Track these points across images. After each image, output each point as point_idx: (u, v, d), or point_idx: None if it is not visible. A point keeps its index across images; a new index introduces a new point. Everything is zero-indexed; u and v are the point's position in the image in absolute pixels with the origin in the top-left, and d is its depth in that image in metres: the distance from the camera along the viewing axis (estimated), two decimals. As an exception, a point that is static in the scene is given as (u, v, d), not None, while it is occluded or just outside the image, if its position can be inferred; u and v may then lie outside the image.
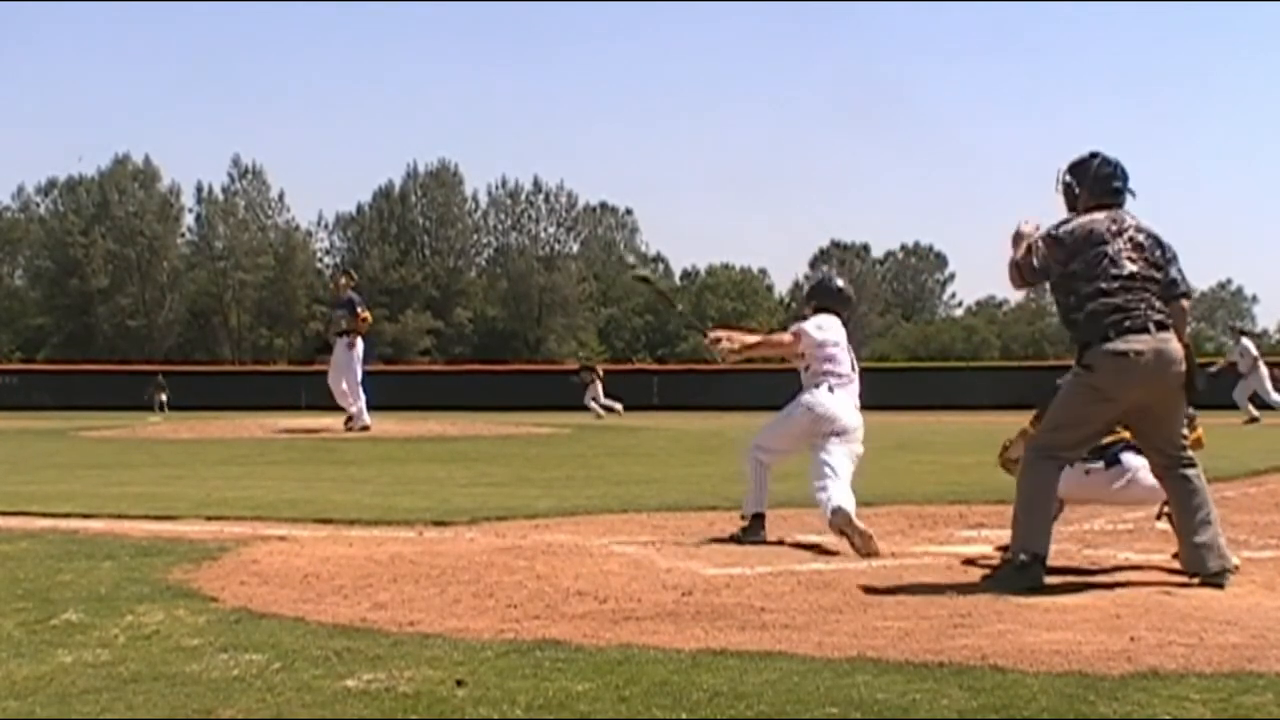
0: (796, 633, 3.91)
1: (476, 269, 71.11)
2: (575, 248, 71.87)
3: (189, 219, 67.08)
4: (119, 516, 7.04)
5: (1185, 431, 5.09)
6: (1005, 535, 6.22)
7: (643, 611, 4.28)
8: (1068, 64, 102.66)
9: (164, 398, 33.58)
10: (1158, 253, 5.06)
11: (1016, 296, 74.74)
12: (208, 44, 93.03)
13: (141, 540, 6.06)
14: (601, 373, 31.36)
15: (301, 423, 18.10)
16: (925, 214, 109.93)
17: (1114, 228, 5.01)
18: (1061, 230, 5.04)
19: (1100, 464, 5.37)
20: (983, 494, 8.08)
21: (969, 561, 5.47)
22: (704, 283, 78.06)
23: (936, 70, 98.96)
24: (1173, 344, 4.93)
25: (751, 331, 7.03)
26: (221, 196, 66.51)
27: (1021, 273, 5.17)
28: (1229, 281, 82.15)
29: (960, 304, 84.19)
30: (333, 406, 16.93)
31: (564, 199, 70.19)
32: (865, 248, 78.38)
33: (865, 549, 5.59)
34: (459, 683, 3.26)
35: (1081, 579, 4.95)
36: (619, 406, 29.01)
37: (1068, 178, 5.24)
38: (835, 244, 77.22)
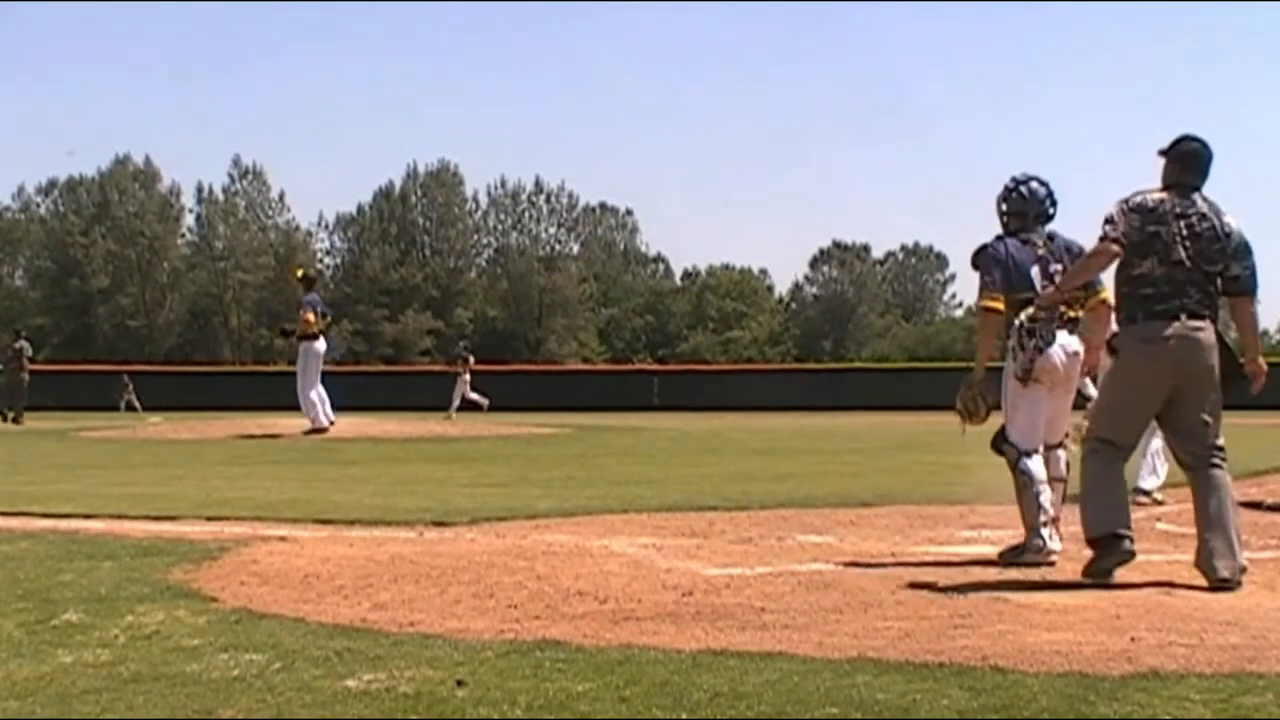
0: (797, 633, 3.91)
1: (477, 269, 71.09)
2: (575, 248, 71.87)
3: (189, 219, 67.11)
4: (119, 517, 7.04)
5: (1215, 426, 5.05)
6: (1005, 535, 6.23)
7: (643, 612, 4.28)
8: (1068, 64, 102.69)
9: (131, 398, 32.71)
10: (1217, 245, 4.97)
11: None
12: (208, 44, 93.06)
13: (142, 540, 6.06)
14: (473, 363, 29.80)
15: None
16: (925, 214, 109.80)
17: (1178, 209, 4.95)
18: (1132, 200, 5.00)
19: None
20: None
21: (972, 562, 5.47)
22: (704, 283, 78.07)
23: (937, 71, 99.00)
24: (1205, 334, 4.88)
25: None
26: (221, 197, 66.52)
27: (1098, 251, 5.04)
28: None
29: (960, 304, 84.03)
30: (331, 406, 16.93)
31: (564, 199, 70.20)
32: (865, 248, 78.32)
33: None
34: (459, 683, 3.26)
35: (1082, 579, 4.94)
36: (485, 402, 27.57)
37: (1166, 152, 5.15)
38: (835, 244, 77.21)
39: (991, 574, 5.09)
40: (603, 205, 77.25)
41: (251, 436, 16.72)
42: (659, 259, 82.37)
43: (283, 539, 6.15)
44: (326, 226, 70.21)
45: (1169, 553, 5.71)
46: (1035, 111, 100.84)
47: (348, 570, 5.17)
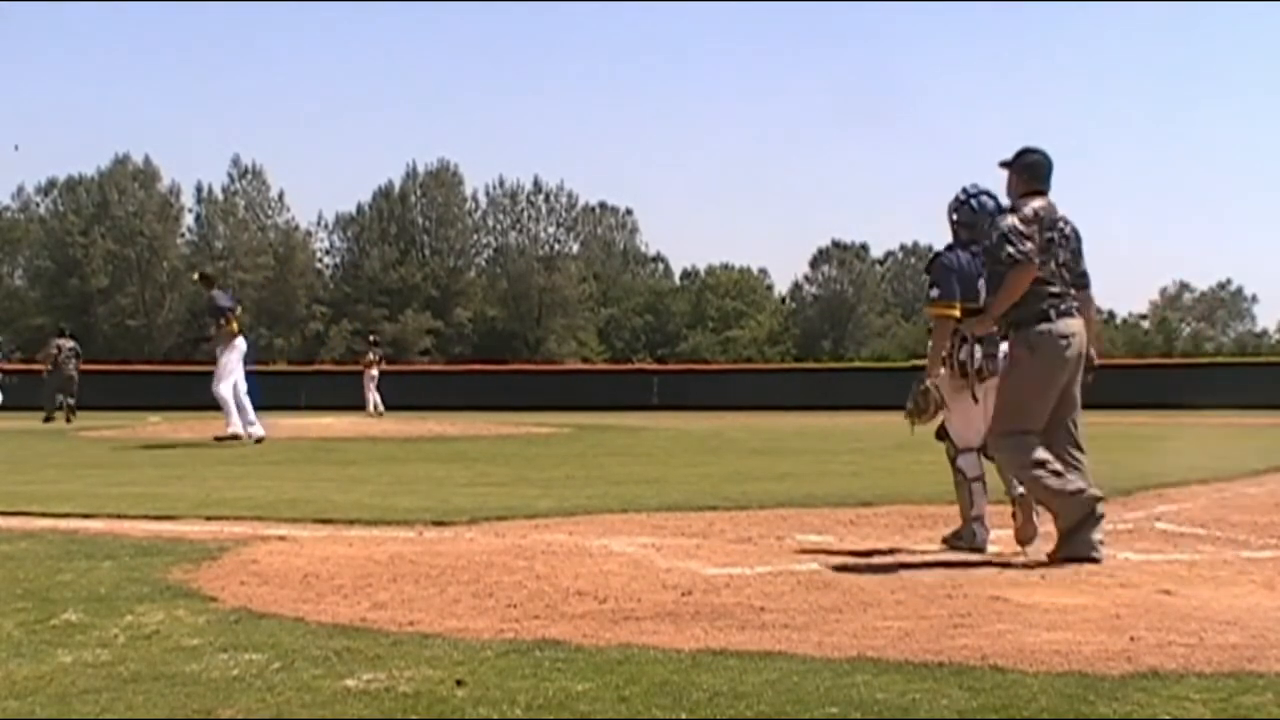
0: (796, 633, 3.91)
1: (476, 269, 71.09)
2: (575, 248, 71.89)
3: (189, 219, 67.16)
4: (119, 516, 7.04)
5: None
6: (1005, 535, 6.24)
7: (642, 611, 4.28)
8: (1068, 63, 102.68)
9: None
10: (1077, 244, 5.54)
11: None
12: (208, 44, 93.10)
13: (141, 540, 6.06)
14: (382, 362, 28.55)
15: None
16: (925, 214, 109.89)
17: (1054, 215, 5.47)
18: (1026, 209, 5.41)
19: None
20: (982, 494, 8.07)
21: (972, 562, 5.47)
22: (704, 283, 78.08)
23: (936, 70, 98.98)
24: (1084, 328, 5.46)
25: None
26: (221, 196, 66.55)
27: (1024, 270, 5.33)
28: (1229, 281, 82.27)
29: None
30: (332, 406, 16.91)
31: (564, 199, 70.25)
32: (865, 248, 78.36)
33: None
34: (459, 682, 3.26)
35: (1081, 578, 4.94)
36: (380, 409, 26.25)
37: (1007, 163, 5.62)
38: (835, 244, 77.22)
39: (991, 574, 5.09)
40: (602, 205, 77.35)
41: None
42: (659, 259, 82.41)
43: (282, 539, 6.15)
44: (326, 226, 70.31)
45: (1169, 553, 5.71)
46: (1035, 111, 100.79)
47: (347, 570, 5.17)
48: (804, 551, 5.78)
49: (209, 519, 6.94)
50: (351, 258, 68.71)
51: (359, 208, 69.46)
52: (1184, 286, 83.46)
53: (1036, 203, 5.43)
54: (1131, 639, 3.77)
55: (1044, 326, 5.32)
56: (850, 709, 3.02)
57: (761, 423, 23.43)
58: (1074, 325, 5.38)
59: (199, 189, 66.14)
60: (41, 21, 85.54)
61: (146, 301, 63.91)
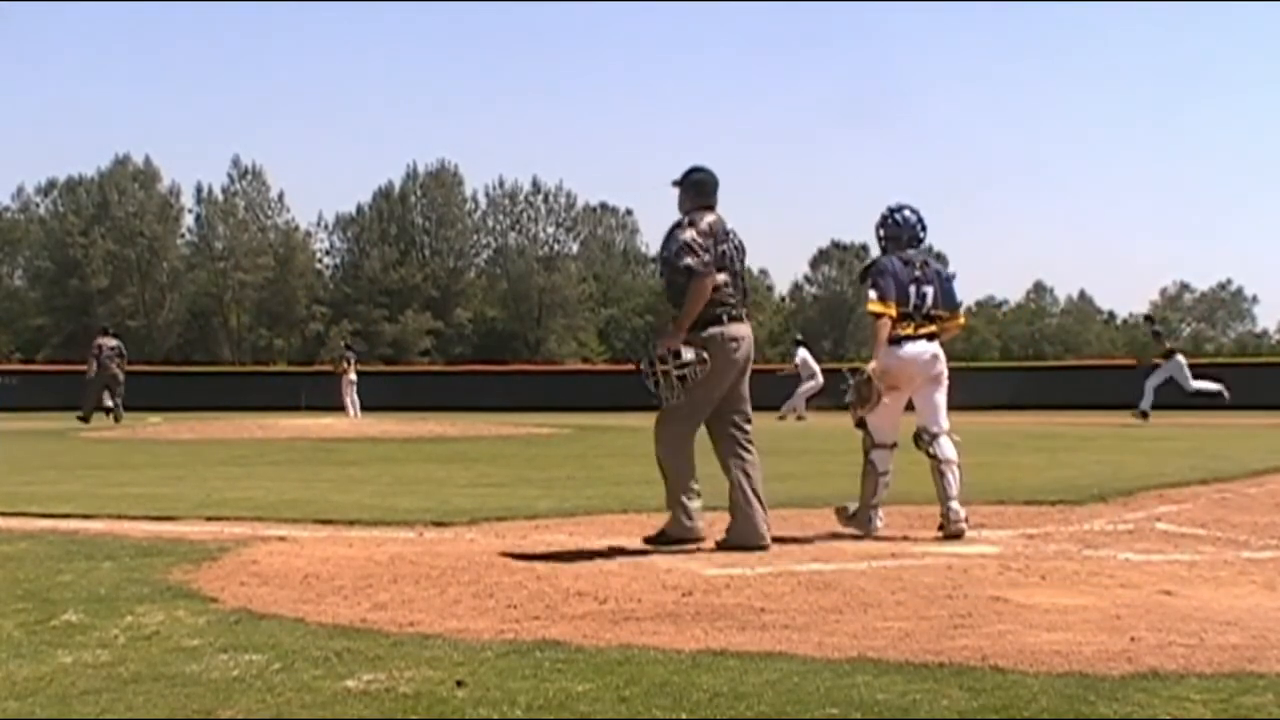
0: (797, 633, 3.91)
1: (476, 269, 71.06)
2: (575, 248, 71.87)
3: (189, 219, 67.09)
4: (119, 517, 7.04)
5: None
6: (1006, 535, 6.24)
7: (643, 612, 4.28)
8: (1068, 63, 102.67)
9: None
10: (742, 257, 6.00)
11: (1015, 297, 74.86)
12: (207, 44, 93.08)
13: (142, 541, 6.06)
14: (355, 365, 27.81)
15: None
16: (925, 214, 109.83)
17: (726, 228, 5.88)
18: (703, 223, 5.80)
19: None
20: (982, 494, 8.08)
21: (973, 562, 5.47)
22: (704, 283, 77.94)
23: (936, 70, 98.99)
24: (750, 332, 5.94)
25: None
26: (221, 197, 66.49)
27: (704, 279, 5.73)
28: (1229, 281, 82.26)
29: (960, 304, 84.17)
30: (331, 407, 16.92)
31: (563, 199, 70.21)
32: (865, 248, 78.20)
33: None
34: (459, 683, 3.26)
35: (1081, 578, 4.94)
36: (358, 413, 25.51)
37: (680, 182, 6.05)
38: (835, 244, 77.18)
39: (991, 574, 5.08)
40: (602, 205, 77.30)
41: (252, 437, 16.70)
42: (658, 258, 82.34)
43: (282, 539, 6.16)
44: (326, 226, 70.26)
45: (1169, 553, 5.71)
46: (1035, 111, 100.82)
47: (347, 570, 5.17)
48: (804, 552, 5.78)
49: (209, 519, 6.94)
50: (351, 258, 68.68)
51: (359, 208, 69.49)
52: (1184, 287, 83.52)
53: (709, 217, 5.85)
54: (1132, 639, 3.77)
55: (715, 330, 5.74)
56: (850, 709, 3.02)
57: (761, 423, 23.43)
58: (743, 329, 5.84)
59: (199, 189, 66.15)
60: (42, 21, 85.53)
61: (146, 302, 63.88)
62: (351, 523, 6.82)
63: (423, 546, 5.89)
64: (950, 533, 6.24)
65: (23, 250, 67.10)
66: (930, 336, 6.53)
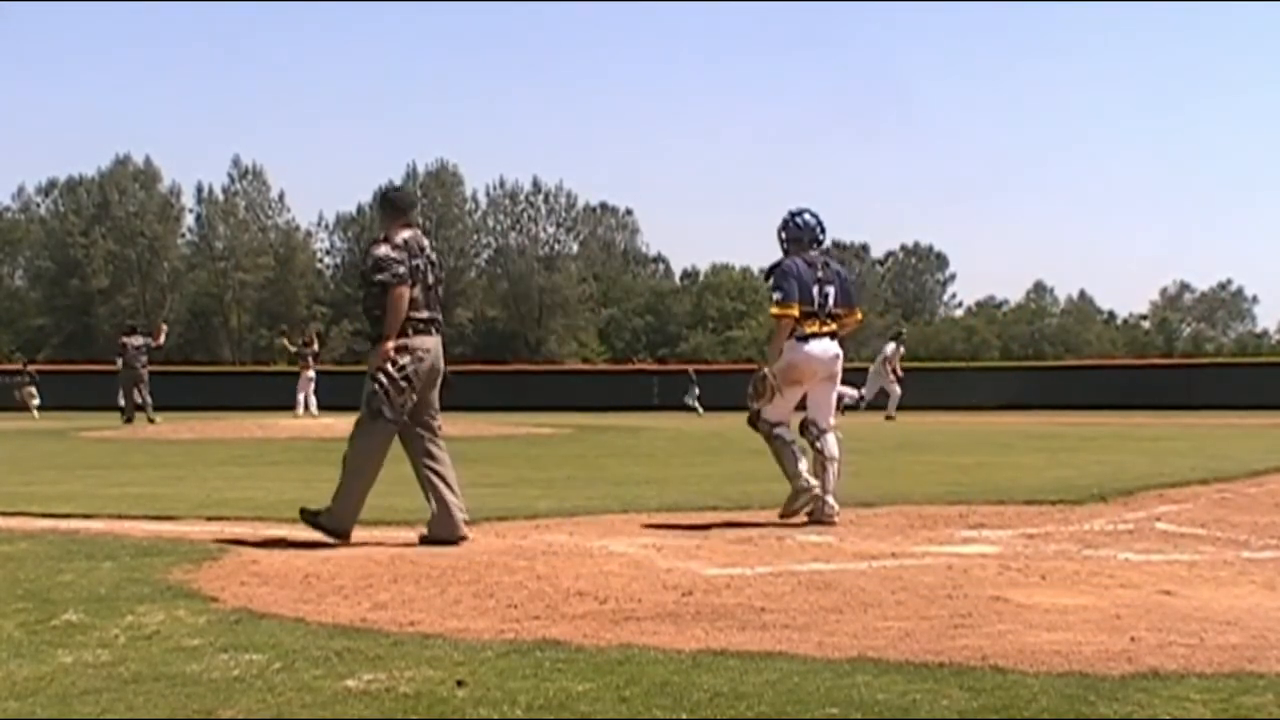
0: (797, 633, 3.91)
1: (476, 269, 71.08)
2: (575, 248, 71.86)
3: (189, 219, 67.17)
4: (119, 517, 7.04)
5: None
6: (1006, 535, 6.24)
7: (643, 612, 4.28)
8: (1068, 63, 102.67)
9: (33, 397, 29.77)
10: (441, 273, 6.29)
11: (1016, 297, 74.80)
12: (208, 44, 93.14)
13: (142, 540, 6.06)
14: (312, 361, 27.75)
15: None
16: (925, 214, 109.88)
17: (419, 244, 6.14)
18: (397, 238, 6.09)
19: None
20: (983, 494, 8.08)
21: (972, 562, 5.47)
22: (704, 283, 78.03)
23: (936, 70, 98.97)
24: (439, 344, 6.21)
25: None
26: (221, 197, 66.54)
27: (399, 290, 5.96)
28: (1229, 282, 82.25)
29: (960, 304, 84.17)
30: (333, 407, 16.90)
31: (564, 199, 70.23)
32: (865, 248, 78.43)
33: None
34: (459, 683, 3.26)
35: (1081, 578, 4.94)
36: (315, 410, 25.63)
37: (377, 202, 6.64)
38: (835, 244, 77.17)
39: (992, 574, 5.08)
40: (603, 205, 77.36)
41: (252, 437, 16.68)
42: (659, 259, 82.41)
43: (283, 539, 6.15)
44: (326, 226, 70.33)
45: (1169, 553, 5.71)
46: (1035, 112, 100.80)
47: (348, 570, 5.17)
48: (804, 552, 5.78)
49: (210, 519, 6.94)
50: (352, 258, 68.64)
51: (359, 208, 69.45)
52: (1184, 287, 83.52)
53: (405, 233, 6.13)
54: (1132, 639, 3.77)
55: (401, 342, 6.02)
56: (851, 709, 3.01)
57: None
58: (428, 342, 6.11)
59: (199, 189, 66.22)
60: (43, 22, 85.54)
61: (147, 302, 63.87)
62: (352, 523, 6.81)
63: (423, 546, 5.89)
64: (818, 520, 6.75)
65: (23, 250, 67.14)
66: (833, 335, 6.98)
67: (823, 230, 7.11)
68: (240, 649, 3.67)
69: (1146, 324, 79.57)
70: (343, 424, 17.17)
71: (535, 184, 69.32)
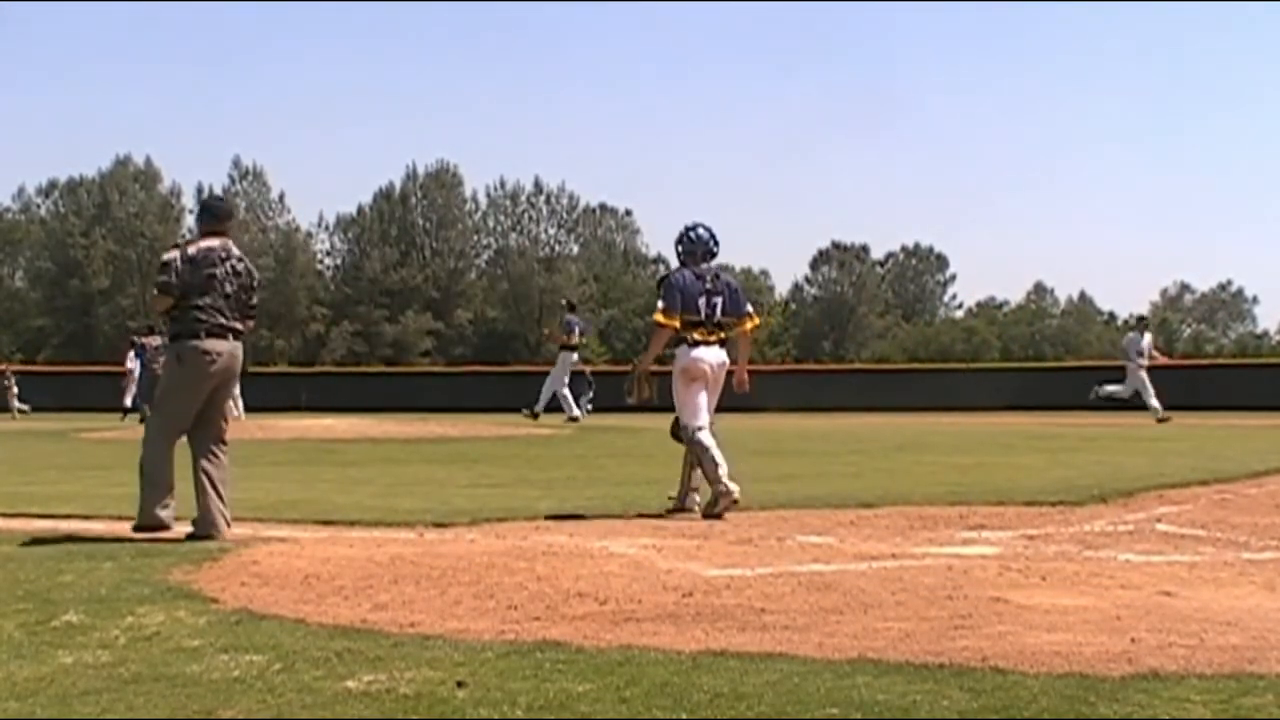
0: (797, 634, 3.91)
1: (477, 270, 71.06)
2: (575, 249, 71.85)
3: (190, 220, 67.05)
4: (120, 517, 7.03)
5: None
6: (1006, 536, 6.24)
7: (643, 613, 4.28)
8: (1068, 64, 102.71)
9: (13, 399, 29.87)
10: (249, 279, 6.60)
11: (1016, 298, 74.80)
12: (208, 44, 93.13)
13: (142, 541, 6.07)
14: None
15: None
16: (925, 214, 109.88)
17: (222, 254, 6.48)
18: (192, 248, 6.48)
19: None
20: (983, 495, 8.08)
21: (973, 562, 5.47)
22: (704, 284, 77.89)
23: (936, 70, 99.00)
24: (240, 349, 6.58)
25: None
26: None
27: (164, 295, 6.46)
28: (1229, 283, 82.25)
29: (960, 305, 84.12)
30: (333, 407, 16.91)
31: (564, 200, 70.22)
32: (865, 248, 78.34)
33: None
34: (459, 684, 3.26)
35: (1081, 579, 4.94)
36: (240, 415, 26.85)
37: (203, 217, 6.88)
38: (835, 244, 77.20)
39: (992, 575, 5.08)
40: (603, 206, 77.27)
41: (252, 437, 16.67)
42: (659, 259, 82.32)
43: (283, 540, 6.16)
44: (326, 227, 70.28)
45: (1170, 554, 5.71)
46: (1035, 112, 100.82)
47: (348, 571, 5.17)
48: (804, 552, 5.78)
49: (210, 520, 6.92)
50: (352, 259, 68.69)
51: (359, 209, 69.48)
52: (1184, 288, 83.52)
53: (211, 242, 6.52)
54: (1132, 640, 3.77)
55: (192, 343, 6.39)
56: (851, 710, 3.02)
57: (762, 423, 23.42)
58: (221, 345, 6.45)
59: (200, 190, 66.04)
60: (42, 22, 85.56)
61: (148, 303, 63.82)
62: (352, 523, 6.82)
63: (423, 547, 5.89)
64: (682, 508, 7.44)
65: (24, 251, 67.12)
66: (721, 343, 7.56)
67: (715, 243, 7.62)
68: (240, 650, 3.68)
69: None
70: (343, 424, 17.20)
71: (537, 184, 69.38)
